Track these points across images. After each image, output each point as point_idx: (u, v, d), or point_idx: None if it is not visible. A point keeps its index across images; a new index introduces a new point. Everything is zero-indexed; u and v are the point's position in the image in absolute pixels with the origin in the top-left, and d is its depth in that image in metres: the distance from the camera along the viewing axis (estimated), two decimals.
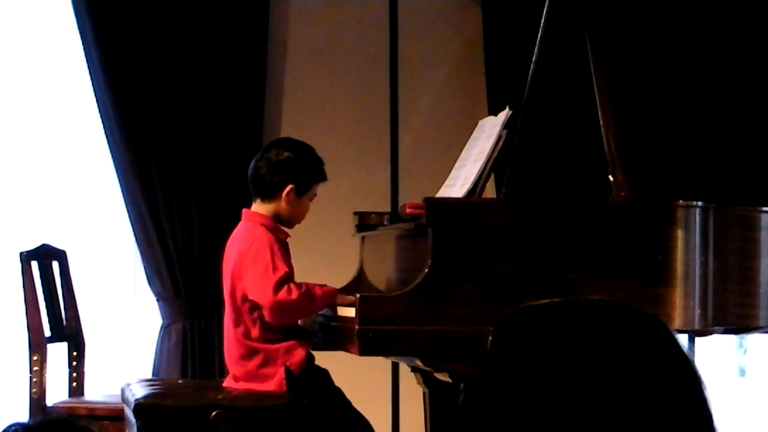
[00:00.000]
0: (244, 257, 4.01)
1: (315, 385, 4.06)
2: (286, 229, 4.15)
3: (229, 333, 4.11)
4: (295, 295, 3.91)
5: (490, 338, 1.30)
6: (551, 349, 1.23)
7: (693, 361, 1.27)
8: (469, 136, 4.23)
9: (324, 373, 4.15)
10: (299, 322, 4.16)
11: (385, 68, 5.90)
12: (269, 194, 4.11)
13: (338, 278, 4.43)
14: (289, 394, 4.00)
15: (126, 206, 5.54)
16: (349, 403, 4.12)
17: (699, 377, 1.26)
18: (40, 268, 4.97)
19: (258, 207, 4.14)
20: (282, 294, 3.91)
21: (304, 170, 4.10)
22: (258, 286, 3.96)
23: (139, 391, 4.04)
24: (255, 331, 4.04)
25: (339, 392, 4.13)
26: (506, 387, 1.24)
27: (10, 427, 1.84)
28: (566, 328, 1.25)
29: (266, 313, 3.97)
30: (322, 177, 4.16)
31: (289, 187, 4.08)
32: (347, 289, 4.24)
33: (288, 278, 3.95)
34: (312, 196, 4.16)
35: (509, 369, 1.25)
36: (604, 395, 1.20)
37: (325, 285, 4.11)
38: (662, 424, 1.21)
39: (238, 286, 4.04)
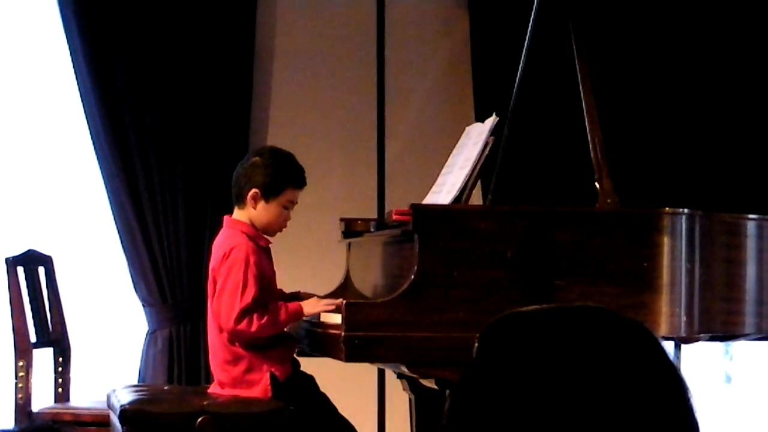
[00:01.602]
0: (220, 264, 4.00)
1: (300, 391, 4.05)
2: (267, 237, 4.12)
3: (214, 338, 4.10)
4: (254, 327, 3.90)
5: (477, 345, 1.30)
6: (538, 355, 1.23)
7: (678, 368, 1.27)
8: (456, 143, 4.24)
9: (309, 380, 4.15)
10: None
11: (372, 74, 5.90)
12: (239, 199, 4.09)
13: (324, 285, 4.43)
14: (274, 400, 3.99)
15: (112, 212, 5.53)
16: (334, 408, 4.11)
17: (684, 384, 1.26)
18: (26, 274, 4.95)
19: (236, 214, 4.13)
20: (242, 326, 3.90)
21: (270, 174, 4.03)
22: (222, 310, 3.95)
23: (124, 397, 4.03)
24: None
25: (324, 398, 4.12)
26: (492, 394, 1.24)
27: None
28: (552, 334, 1.25)
29: (225, 335, 4.00)
30: (294, 183, 4.06)
31: (253, 190, 4.03)
32: (333, 296, 4.23)
33: (253, 308, 3.91)
34: (286, 203, 4.06)
35: (495, 376, 1.25)
36: (590, 402, 1.20)
37: (297, 293, 4.13)
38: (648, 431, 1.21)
39: None
